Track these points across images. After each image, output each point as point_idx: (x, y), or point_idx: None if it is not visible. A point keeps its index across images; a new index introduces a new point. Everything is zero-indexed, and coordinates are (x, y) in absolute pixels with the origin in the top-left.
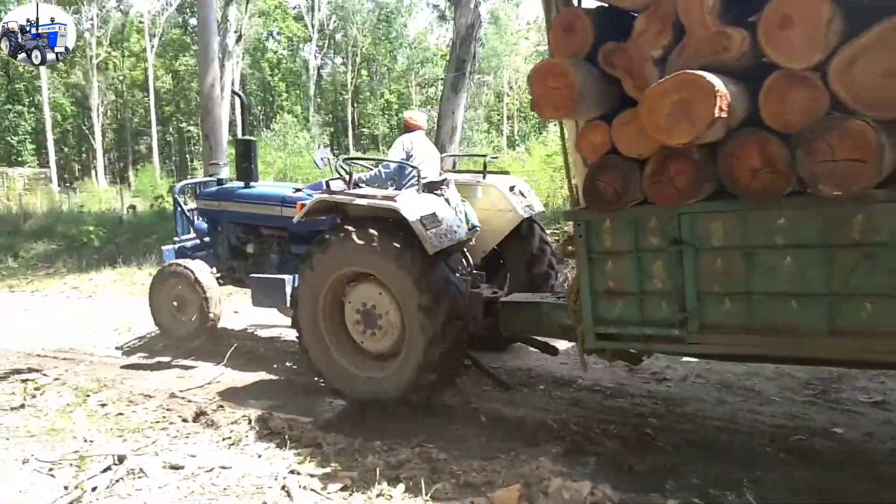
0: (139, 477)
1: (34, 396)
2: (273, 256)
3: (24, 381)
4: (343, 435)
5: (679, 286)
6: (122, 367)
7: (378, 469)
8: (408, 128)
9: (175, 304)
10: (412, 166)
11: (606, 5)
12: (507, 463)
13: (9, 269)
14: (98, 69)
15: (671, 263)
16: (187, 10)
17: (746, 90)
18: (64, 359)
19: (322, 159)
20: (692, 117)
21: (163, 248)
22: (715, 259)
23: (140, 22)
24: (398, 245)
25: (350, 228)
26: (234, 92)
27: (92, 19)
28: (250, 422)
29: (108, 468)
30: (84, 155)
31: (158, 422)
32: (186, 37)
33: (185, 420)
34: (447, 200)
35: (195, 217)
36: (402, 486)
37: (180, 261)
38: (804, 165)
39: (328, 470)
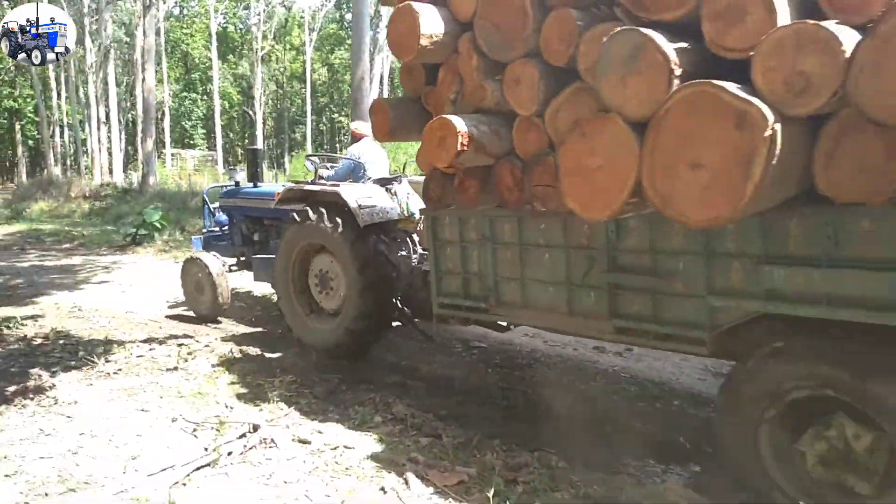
0: (270, 447)
1: (186, 360)
2: (272, 242)
3: (179, 345)
4: (463, 429)
5: (485, 270)
6: (265, 340)
7: (496, 468)
8: (355, 137)
9: (195, 287)
10: (359, 162)
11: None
12: (632, 480)
13: (175, 241)
14: (262, 61)
15: (481, 253)
16: (344, 6)
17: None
18: (214, 328)
19: (310, 161)
20: (446, 148)
21: (193, 237)
22: (505, 252)
23: (301, 17)
24: (339, 220)
25: (307, 210)
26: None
27: (259, 14)
28: (375, 405)
29: (243, 435)
30: (246, 140)
31: (292, 395)
32: (342, 31)
33: (315, 397)
34: (395, 193)
35: (218, 212)
36: (519, 489)
37: (199, 253)
38: (528, 187)
39: (446, 462)
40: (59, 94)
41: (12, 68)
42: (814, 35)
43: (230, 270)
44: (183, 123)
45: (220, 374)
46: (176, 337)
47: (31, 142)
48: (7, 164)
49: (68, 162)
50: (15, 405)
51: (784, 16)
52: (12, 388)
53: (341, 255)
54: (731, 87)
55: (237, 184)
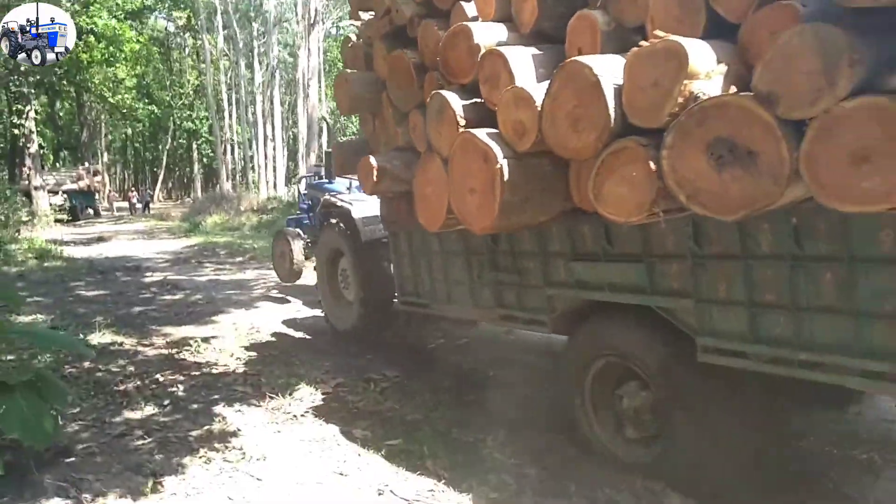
0: None
1: (379, 402)
2: None
3: (367, 380)
4: None
5: (425, 274)
6: (473, 378)
7: None
8: None
9: (280, 256)
10: None
11: None
12: None
13: None
14: None
15: (421, 261)
16: None
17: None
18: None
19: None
20: (369, 179)
21: (286, 218)
22: (435, 258)
23: None
24: (349, 232)
25: (332, 220)
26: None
27: None
28: None
29: None
30: None
31: (518, 464)
32: None
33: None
34: None
35: (305, 199)
36: None
37: (286, 230)
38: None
39: None
40: (230, 115)
41: (191, 93)
42: (522, 94)
43: (307, 246)
44: (339, 138)
45: (421, 424)
46: (361, 368)
47: (205, 159)
48: (185, 180)
49: (237, 178)
50: (200, 457)
51: (524, 80)
52: (196, 433)
53: (352, 260)
54: (483, 133)
55: (319, 177)
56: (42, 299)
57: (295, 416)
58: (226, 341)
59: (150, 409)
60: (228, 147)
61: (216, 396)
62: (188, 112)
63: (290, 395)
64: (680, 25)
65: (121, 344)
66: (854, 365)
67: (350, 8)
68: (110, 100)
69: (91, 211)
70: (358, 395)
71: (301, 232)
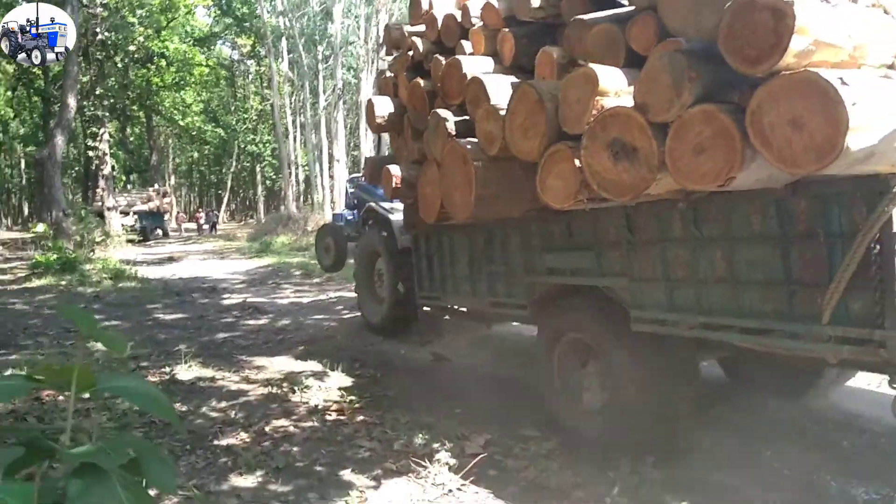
0: None
1: (544, 470)
2: None
3: (527, 441)
4: None
5: (437, 271)
6: None
7: None
8: None
9: (324, 248)
10: None
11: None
12: None
13: None
14: None
15: (436, 260)
16: None
17: None
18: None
19: None
20: (389, 187)
21: (333, 213)
22: (445, 258)
23: None
24: (386, 236)
25: (373, 225)
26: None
27: None
28: None
29: None
30: None
31: None
32: None
33: None
34: None
35: (351, 197)
36: None
37: (330, 223)
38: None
39: None
40: (294, 138)
41: (254, 117)
42: (491, 110)
43: (349, 240)
44: None
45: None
46: (501, 417)
47: (267, 181)
48: (247, 202)
49: (300, 199)
50: None
51: (497, 100)
52: None
53: (387, 262)
54: (463, 141)
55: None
56: (120, 323)
57: (449, 489)
58: (330, 377)
59: (261, 475)
60: (292, 169)
61: (340, 456)
62: (252, 136)
63: (432, 457)
64: (608, 58)
65: (212, 379)
66: (735, 323)
67: (385, 46)
68: (180, 122)
69: (160, 232)
70: (517, 458)
71: (345, 228)
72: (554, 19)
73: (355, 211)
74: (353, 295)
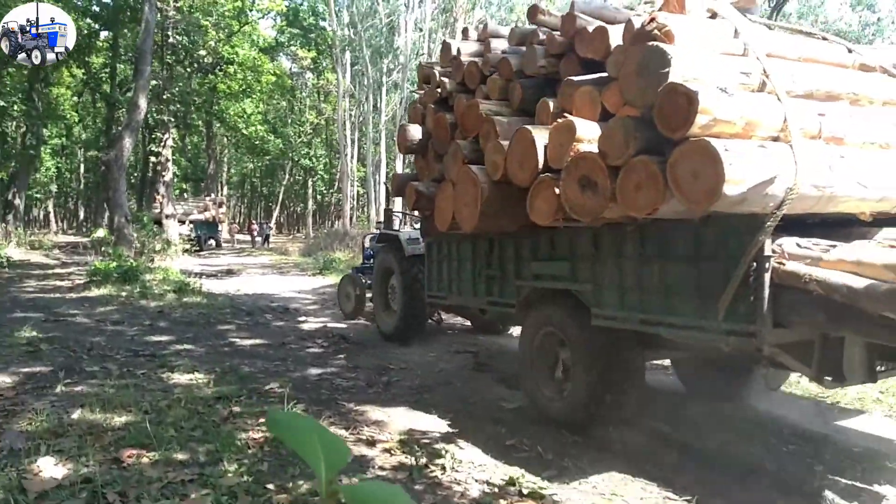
0: None
1: None
2: None
3: None
4: None
5: (445, 274)
6: None
7: None
8: None
9: (345, 296)
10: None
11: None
12: None
13: None
14: None
15: (445, 264)
16: None
17: None
18: None
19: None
20: (411, 199)
21: (352, 267)
22: (452, 262)
23: None
24: (397, 251)
25: (385, 244)
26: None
27: None
28: None
29: None
30: None
31: None
32: None
33: None
34: None
35: (368, 251)
36: None
37: (350, 274)
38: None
39: None
40: (351, 153)
41: (310, 131)
42: (497, 145)
43: (368, 287)
44: None
45: None
46: None
47: (318, 196)
48: (295, 215)
49: (355, 215)
50: None
51: (504, 137)
52: None
53: (397, 274)
54: (475, 167)
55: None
56: (192, 347)
57: None
58: (469, 443)
59: None
60: (347, 183)
61: None
62: (306, 149)
63: None
64: (587, 113)
65: None
66: (664, 320)
67: (417, 80)
68: (244, 131)
69: (213, 242)
70: None
71: (364, 277)
72: (554, 75)
73: (371, 261)
74: (455, 326)
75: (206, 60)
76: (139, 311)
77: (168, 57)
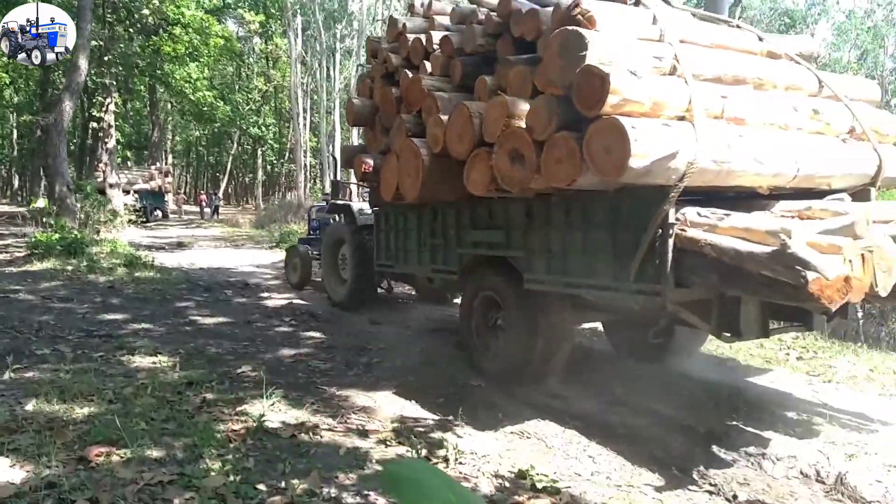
0: None
1: None
2: None
3: None
4: None
5: (392, 244)
6: None
7: None
8: None
9: (291, 267)
10: None
11: None
12: None
13: None
14: None
15: (392, 234)
16: None
17: None
18: None
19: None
20: (359, 170)
21: (298, 238)
22: (399, 233)
23: None
24: (350, 221)
25: (337, 215)
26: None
27: None
28: None
29: None
30: None
31: None
32: None
33: None
34: None
35: (313, 222)
36: None
37: (298, 246)
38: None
39: None
40: (303, 120)
41: (258, 98)
42: (438, 119)
43: (313, 258)
44: None
45: None
46: None
47: (268, 166)
48: (242, 186)
49: (308, 185)
50: None
51: (444, 111)
52: None
53: (348, 244)
54: (417, 140)
55: (326, 203)
56: (150, 326)
57: None
58: (472, 428)
59: None
60: (300, 153)
61: None
62: (255, 118)
63: None
64: (520, 90)
65: (312, 428)
66: (584, 282)
67: (366, 55)
68: (191, 97)
69: (159, 213)
70: None
71: (310, 249)
72: (491, 54)
73: (317, 233)
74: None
75: (149, 21)
76: (88, 287)
77: (109, 16)
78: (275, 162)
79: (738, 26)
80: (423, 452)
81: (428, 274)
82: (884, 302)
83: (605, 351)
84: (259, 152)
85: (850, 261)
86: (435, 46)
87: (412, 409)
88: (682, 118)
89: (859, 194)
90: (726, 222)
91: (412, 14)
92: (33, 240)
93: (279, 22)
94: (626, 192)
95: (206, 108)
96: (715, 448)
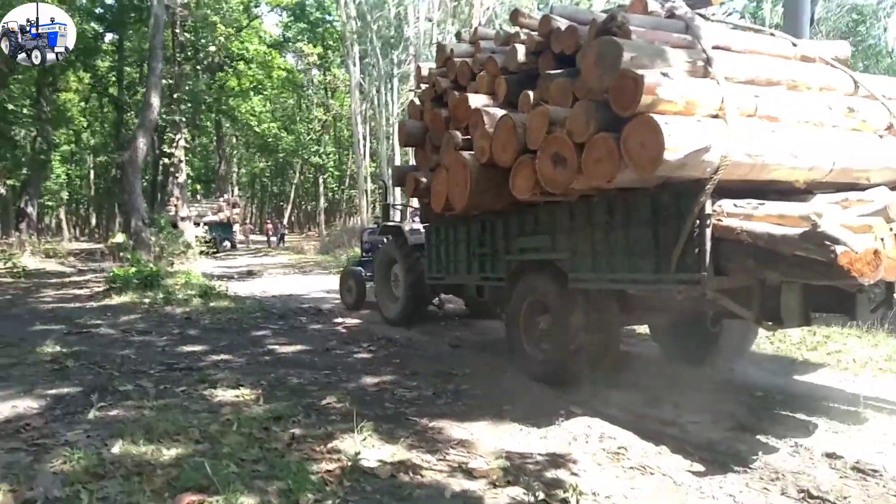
0: None
1: None
2: None
3: None
4: None
5: (443, 256)
6: None
7: None
8: None
9: (346, 289)
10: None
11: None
12: None
13: None
14: None
15: (443, 247)
16: None
17: None
18: None
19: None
20: (411, 187)
21: (351, 260)
22: (449, 245)
23: None
24: (401, 241)
25: (388, 236)
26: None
27: None
28: None
29: None
30: None
31: None
32: None
33: None
34: None
35: (366, 244)
36: None
37: (351, 267)
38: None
39: None
40: (362, 148)
41: (318, 128)
42: (484, 132)
43: (366, 279)
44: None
45: None
46: None
47: (329, 193)
48: (304, 214)
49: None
50: None
51: (490, 125)
52: None
53: (400, 263)
54: (465, 152)
55: (377, 225)
56: (230, 357)
57: None
58: (586, 463)
59: None
60: (363, 179)
61: None
62: (315, 147)
63: None
64: (561, 101)
65: (411, 467)
66: (628, 277)
67: (414, 81)
68: (256, 129)
69: (228, 244)
70: None
71: (363, 271)
72: (533, 70)
73: (370, 254)
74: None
75: (215, 58)
76: (165, 319)
77: (178, 55)
78: (335, 189)
79: (771, 34)
80: (540, 496)
81: (477, 282)
82: None
83: (652, 355)
84: (320, 180)
85: (882, 238)
86: (480, 67)
87: (515, 443)
88: (715, 116)
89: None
90: (761, 210)
91: (459, 41)
92: (111, 274)
93: (337, 52)
94: (664, 188)
95: (270, 140)
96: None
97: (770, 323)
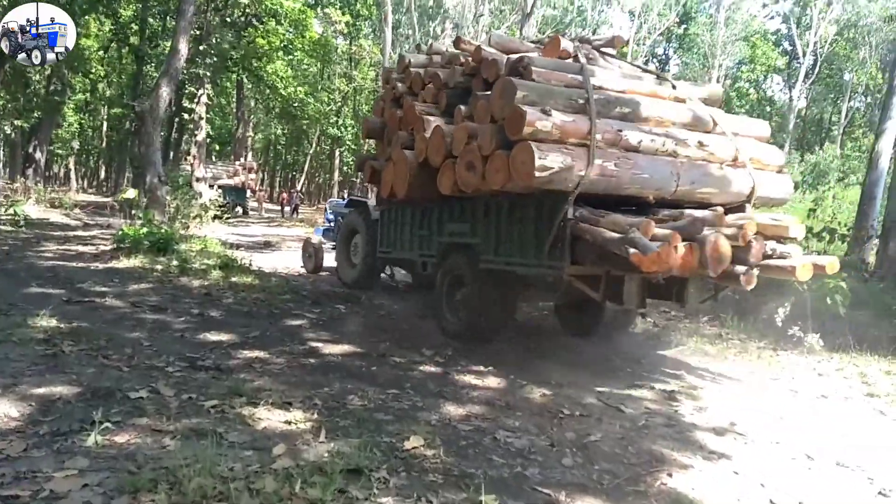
0: None
1: None
2: None
3: None
4: None
5: (392, 234)
6: None
7: None
8: None
9: (307, 255)
10: None
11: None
12: None
13: None
14: None
15: (392, 227)
16: None
17: None
18: None
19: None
20: (367, 174)
21: (315, 229)
22: (397, 226)
23: None
24: (365, 214)
25: (352, 208)
26: None
27: None
28: None
29: None
30: None
31: None
32: None
33: None
34: None
35: (329, 214)
36: None
37: (313, 236)
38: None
39: None
40: None
41: (339, 99)
42: (423, 136)
43: (330, 248)
44: None
45: None
46: None
47: (345, 167)
48: (316, 186)
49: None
50: None
51: (429, 131)
52: None
53: (361, 234)
54: (408, 151)
55: (342, 198)
56: (265, 355)
57: None
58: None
59: None
60: None
61: None
62: (335, 118)
63: None
64: (483, 118)
65: None
66: (518, 261)
67: (381, 79)
68: (282, 91)
69: (240, 210)
70: None
71: (324, 239)
72: (468, 88)
73: (333, 225)
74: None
75: (247, 10)
76: (181, 293)
77: (205, 4)
78: (351, 163)
79: (657, 76)
80: None
81: (416, 258)
82: (719, 280)
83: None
84: (337, 152)
85: (676, 246)
86: (429, 80)
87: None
88: (582, 144)
89: (737, 209)
90: (605, 219)
91: (419, 52)
92: (120, 233)
93: (367, 21)
94: (544, 195)
95: (295, 104)
96: None
97: (613, 304)
